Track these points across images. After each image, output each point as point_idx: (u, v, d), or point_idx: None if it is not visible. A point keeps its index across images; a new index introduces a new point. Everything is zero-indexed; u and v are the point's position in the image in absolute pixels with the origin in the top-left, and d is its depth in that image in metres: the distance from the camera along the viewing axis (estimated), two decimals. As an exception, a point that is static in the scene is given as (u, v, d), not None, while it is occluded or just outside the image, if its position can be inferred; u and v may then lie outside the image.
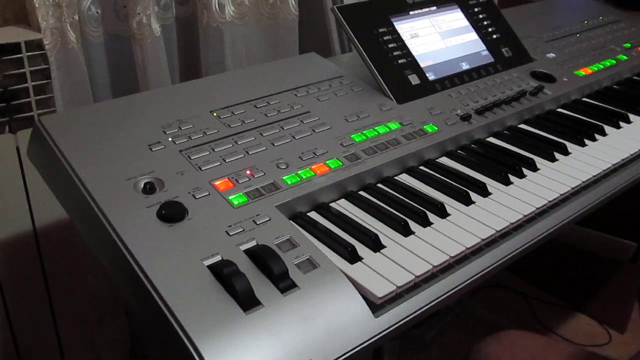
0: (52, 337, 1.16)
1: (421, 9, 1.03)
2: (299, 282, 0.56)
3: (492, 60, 1.05)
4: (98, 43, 1.17)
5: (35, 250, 1.07)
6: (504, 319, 1.71)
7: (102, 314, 1.21)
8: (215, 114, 0.79)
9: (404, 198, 0.73)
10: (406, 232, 0.67)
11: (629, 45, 1.28)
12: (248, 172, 0.70)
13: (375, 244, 0.64)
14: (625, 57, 1.21)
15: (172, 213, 0.61)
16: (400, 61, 0.94)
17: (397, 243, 0.65)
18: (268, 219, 0.63)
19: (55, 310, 1.14)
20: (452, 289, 0.62)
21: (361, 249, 0.63)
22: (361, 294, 0.57)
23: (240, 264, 0.56)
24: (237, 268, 0.55)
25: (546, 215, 0.75)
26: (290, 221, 0.65)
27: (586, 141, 0.92)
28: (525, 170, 0.81)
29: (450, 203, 0.73)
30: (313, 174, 0.72)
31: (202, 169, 0.69)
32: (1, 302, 1.07)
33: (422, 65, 0.96)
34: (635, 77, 1.20)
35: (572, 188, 0.79)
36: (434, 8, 1.05)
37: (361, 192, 0.75)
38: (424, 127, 0.85)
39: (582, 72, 1.12)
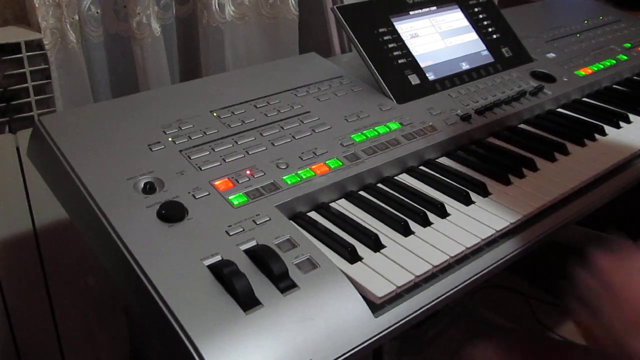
0: (52, 337, 1.16)
1: (421, 9, 1.03)
2: (299, 282, 0.56)
3: (492, 60, 1.05)
4: (98, 43, 1.17)
5: (35, 250, 1.07)
6: (504, 319, 1.71)
7: (102, 314, 1.21)
8: (215, 114, 0.79)
9: (404, 198, 0.73)
10: (406, 232, 0.67)
11: (629, 45, 1.28)
12: (248, 172, 0.70)
13: (375, 244, 0.64)
14: (625, 57, 1.21)
15: (172, 213, 0.61)
16: (400, 61, 0.94)
17: (397, 243, 0.65)
18: (268, 219, 0.63)
19: (55, 310, 1.14)
20: (452, 289, 0.62)
21: (361, 249, 0.63)
22: (361, 294, 0.57)
23: (240, 264, 0.56)
24: (237, 268, 0.55)
25: (546, 215, 0.75)
26: (290, 221, 0.65)
27: (586, 141, 0.92)
28: (525, 170, 0.81)
29: (450, 203, 0.73)
30: (313, 174, 0.72)
31: (202, 169, 0.69)
32: (1, 302, 1.07)
33: (422, 65, 0.96)
34: (635, 77, 1.20)
35: (572, 188, 0.79)
36: (434, 8, 1.05)
37: (361, 192, 0.74)
38: (424, 127, 0.85)
39: (582, 72, 1.12)
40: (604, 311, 0.57)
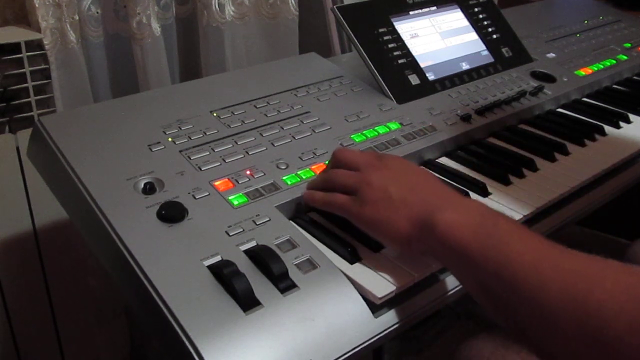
0: (52, 337, 1.16)
1: (421, 9, 1.03)
2: (298, 282, 0.56)
3: (492, 60, 1.05)
4: (98, 43, 1.17)
5: (35, 250, 1.07)
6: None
7: (102, 314, 1.21)
8: (215, 114, 0.79)
9: (404, 198, 0.73)
10: (406, 232, 0.66)
11: (629, 45, 1.28)
12: (248, 172, 0.70)
13: (375, 244, 0.63)
14: (625, 57, 1.21)
15: (172, 213, 0.61)
16: (400, 61, 0.94)
17: (397, 243, 0.65)
18: (268, 219, 0.63)
19: (55, 310, 1.14)
20: (452, 289, 0.62)
21: (361, 249, 0.63)
22: (361, 294, 0.57)
23: (240, 264, 0.56)
24: (237, 268, 0.55)
25: (546, 215, 0.75)
26: (290, 221, 0.65)
27: (586, 141, 0.92)
28: (525, 170, 0.81)
29: (450, 203, 0.73)
30: (313, 174, 0.71)
31: (202, 169, 0.69)
32: (1, 302, 1.07)
33: (422, 65, 0.96)
34: (635, 77, 1.20)
35: (572, 188, 0.79)
36: (434, 8, 1.05)
37: (361, 192, 0.74)
38: (424, 127, 0.85)
39: (582, 72, 1.12)
40: (393, 200, 0.59)
